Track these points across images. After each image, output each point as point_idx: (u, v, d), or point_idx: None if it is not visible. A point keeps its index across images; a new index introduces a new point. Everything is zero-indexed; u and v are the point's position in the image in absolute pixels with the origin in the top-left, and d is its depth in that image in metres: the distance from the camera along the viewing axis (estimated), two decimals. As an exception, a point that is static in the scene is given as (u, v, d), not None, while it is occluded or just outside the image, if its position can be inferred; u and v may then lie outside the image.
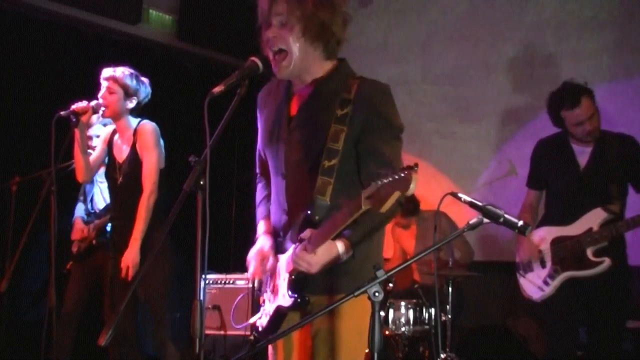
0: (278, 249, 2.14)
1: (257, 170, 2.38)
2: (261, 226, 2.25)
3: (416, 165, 1.63)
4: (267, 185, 2.27)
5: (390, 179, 1.64)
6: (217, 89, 1.86)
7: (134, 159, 3.54)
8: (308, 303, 2.02)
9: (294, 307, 2.02)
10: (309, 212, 1.98)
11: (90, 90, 3.88)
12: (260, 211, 2.31)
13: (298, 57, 2.03)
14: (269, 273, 2.14)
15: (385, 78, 2.14)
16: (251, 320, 2.15)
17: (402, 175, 1.62)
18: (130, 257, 3.35)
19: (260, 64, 1.98)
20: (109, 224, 3.85)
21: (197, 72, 5.97)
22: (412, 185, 1.60)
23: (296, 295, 2.00)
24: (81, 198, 4.32)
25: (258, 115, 2.27)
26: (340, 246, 1.96)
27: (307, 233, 1.95)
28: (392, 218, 2.10)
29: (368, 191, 1.70)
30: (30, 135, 4.79)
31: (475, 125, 5.66)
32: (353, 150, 2.03)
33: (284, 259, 2.08)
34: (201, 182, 1.80)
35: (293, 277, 2.00)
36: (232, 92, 1.91)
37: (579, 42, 5.20)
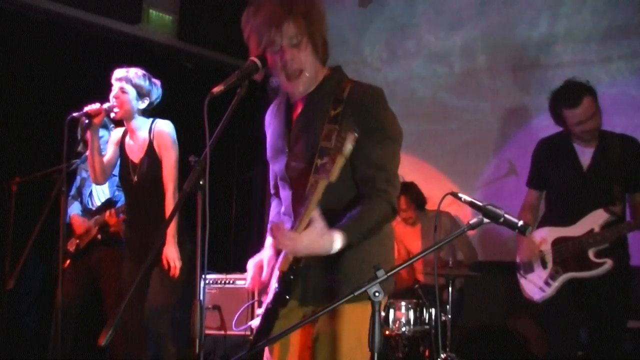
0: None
1: (272, 191, 2.36)
2: (268, 239, 2.24)
3: (356, 131, 1.66)
4: (280, 203, 2.27)
5: (330, 148, 1.69)
6: (217, 89, 1.85)
7: (152, 159, 3.55)
8: (288, 301, 1.99)
9: (275, 301, 1.99)
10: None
11: (90, 90, 3.87)
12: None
13: (311, 73, 2.06)
14: (264, 284, 2.13)
15: (387, 79, 2.13)
16: (249, 323, 2.14)
17: (341, 138, 1.65)
18: (173, 253, 3.40)
19: (260, 64, 1.98)
20: (124, 223, 3.86)
21: (197, 72, 5.98)
22: (347, 146, 1.64)
23: (279, 289, 1.97)
24: (72, 194, 4.32)
25: (266, 135, 2.28)
26: (334, 234, 1.89)
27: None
28: (385, 217, 2.02)
29: (317, 166, 1.75)
30: (30, 135, 4.80)
31: (475, 125, 5.66)
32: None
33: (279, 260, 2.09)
34: (201, 182, 1.80)
35: (282, 271, 1.98)
36: (232, 92, 1.91)
37: (582, 41, 5.20)
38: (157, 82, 3.70)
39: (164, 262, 3.40)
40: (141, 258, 3.50)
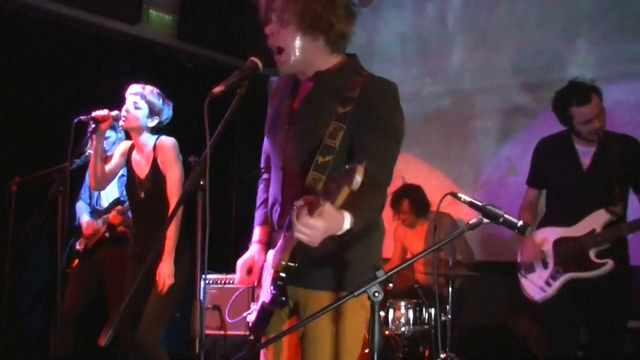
0: (272, 243, 2.11)
1: (262, 165, 2.36)
2: (256, 234, 2.25)
3: (362, 161, 1.60)
4: (268, 186, 2.26)
5: (337, 175, 1.63)
6: (217, 89, 1.85)
7: (156, 175, 3.54)
8: (286, 303, 1.97)
9: (272, 303, 1.97)
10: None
11: (90, 90, 3.87)
12: (257, 216, 2.29)
13: (296, 52, 2.03)
14: (254, 284, 2.13)
15: (386, 77, 2.13)
16: (244, 315, 2.14)
17: (347, 169, 1.60)
18: (166, 270, 3.37)
19: (260, 64, 1.97)
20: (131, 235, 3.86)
21: (197, 72, 5.97)
22: (356, 179, 1.58)
23: (276, 292, 1.94)
24: (82, 195, 4.33)
25: (269, 104, 2.28)
26: (343, 212, 1.80)
27: (301, 201, 1.78)
28: (379, 208, 2.02)
29: (324, 188, 1.69)
30: (30, 135, 4.80)
31: (475, 126, 5.66)
32: (349, 148, 2.00)
33: (271, 253, 2.06)
34: (201, 182, 1.80)
35: (277, 272, 1.95)
36: (232, 92, 1.91)
37: (582, 43, 5.20)
38: (170, 103, 3.69)
39: (157, 277, 3.37)
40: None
